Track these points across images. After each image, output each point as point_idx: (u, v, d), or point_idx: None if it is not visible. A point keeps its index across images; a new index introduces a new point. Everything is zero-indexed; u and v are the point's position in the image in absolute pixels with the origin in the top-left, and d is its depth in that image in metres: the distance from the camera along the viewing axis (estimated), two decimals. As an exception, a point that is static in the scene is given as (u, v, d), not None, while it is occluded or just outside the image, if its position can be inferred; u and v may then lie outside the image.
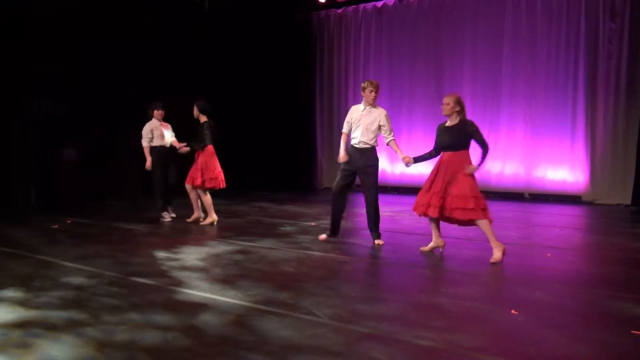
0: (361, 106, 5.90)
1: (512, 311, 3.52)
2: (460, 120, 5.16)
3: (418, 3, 12.30)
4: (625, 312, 3.58)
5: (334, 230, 6.10)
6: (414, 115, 12.24)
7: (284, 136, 13.53)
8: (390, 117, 5.95)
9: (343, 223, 6.24)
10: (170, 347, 2.92)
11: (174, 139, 7.60)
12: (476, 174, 5.13)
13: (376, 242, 5.86)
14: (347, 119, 5.96)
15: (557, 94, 10.78)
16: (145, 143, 7.44)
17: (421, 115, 12.12)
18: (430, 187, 5.19)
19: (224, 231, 6.78)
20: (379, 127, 5.80)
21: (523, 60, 11.04)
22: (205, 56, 11.95)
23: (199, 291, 3.97)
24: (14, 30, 9.00)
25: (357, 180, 5.99)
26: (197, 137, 7.17)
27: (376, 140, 5.86)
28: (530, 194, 11.12)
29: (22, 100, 9.27)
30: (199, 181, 7.08)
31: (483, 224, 4.99)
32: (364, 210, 6.06)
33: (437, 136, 5.32)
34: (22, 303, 3.66)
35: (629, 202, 10.04)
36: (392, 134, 5.87)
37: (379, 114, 5.80)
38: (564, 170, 10.84)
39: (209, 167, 7.10)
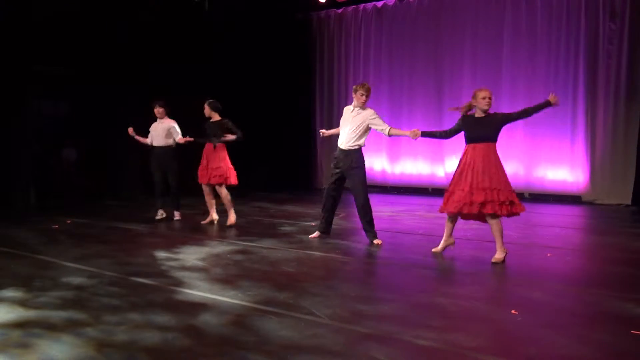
0: (351, 107, 5.94)
1: (512, 311, 3.52)
2: (487, 113, 5.09)
3: (418, 3, 12.29)
4: (625, 312, 3.58)
5: (325, 228, 6.13)
6: (414, 115, 12.21)
7: (284, 136, 13.52)
8: (390, 117, 5.96)
9: (343, 223, 6.24)
10: (170, 347, 2.91)
11: (179, 136, 7.51)
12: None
13: (374, 242, 5.87)
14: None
15: (557, 94, 10.57)
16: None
17: (421, 115, 12.10)
18: (464, 184, 4.99)
19: (224, 231, 6.78)
20: (368, 128, 5.83)
21: (523, 60, 11.03)
22: (205, 56, 11.95)
23: (199, 291, 3.97)
24: (14, 30, 9.00)
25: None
26: (207, 134, 7.11)
27: (363, 142, 5.89)
28: (530, 194, 11.11)
29: (22, 100, 9.28)
30: (233, 179, 7.08)
31: (499, 223, 4.96)
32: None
33: (464, 125, 5.15)
34: (22, 303, 3.67)
35: (629, 202, 10.04)
36: (387, 124, 5.85)
37: (366, 116, 5.81)
38: (564, 170, 10.84)
39: (229, 162, 7.14)
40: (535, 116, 11.33)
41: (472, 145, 5.07)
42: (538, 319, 3.39)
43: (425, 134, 5.47)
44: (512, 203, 4.93)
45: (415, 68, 12.33)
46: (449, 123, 11.39)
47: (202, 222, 7.30)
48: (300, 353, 2.82)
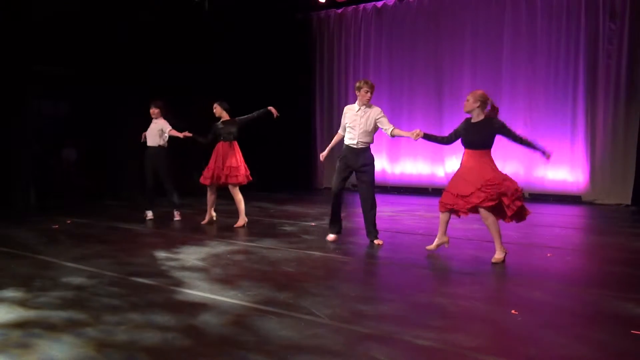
0: (355, 106, 5.84)
1: (512, 311, 3.52)
2: (485, 117, 5.08)
3: (418, 3, 12.29)
4: (625, 312, 3.59)
5: (340, 228, 6.11)
6: (414, 115, 12.22)
7: (284, 136, 13.51)
8: (390, 117, 5.94)
9: (343, 223, 6.24)
10: (170, 347, 2.91)
11: (166, 134, 7.41)
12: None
13: (375, 242, 5.86)
14: (343, 121, 5.93)
15: (557, 94, 10.78)
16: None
17: (421, 115, 12.11)
18: (458, 189, 5.04)
19: (224, 231, 6.78)
20: (376, 126, 5.80)
21: (523, 60, 11.04)
22: (205, 56, 11.95)
23: (199, 291, 3.97)
24: (14, 30, 9.00)
25: (354, 180, 5.97)
26: (219, 134, 7.13)
27: (372, 139, 5.86)
28: (530, 194, 11.10)
29: (22, 100, 9.28)
30: (244, 178, 7.08)
31: (495, 223, 4.97)
32: (361, 210, 6.04)
33: (462, 130, 5.16)
34: (22, 303, 3.67)
35: (629, 202, 10.04)
36: (391, 125, 5.82)
37: (374, 114, 5.77)
38: (564, 170, 10.84)
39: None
40: (535, 116, 11.30)
41: (467, 151, 5.11)
42: (538, 319, 3.39)
43: (426, 137, 5.40)
44: (504, 194, 4.85)
45: (415, 68, 12.33)
46: (448, 123, 11.47)
47: (202, 222, 7.30)
48: (300, 353, 2.82)
